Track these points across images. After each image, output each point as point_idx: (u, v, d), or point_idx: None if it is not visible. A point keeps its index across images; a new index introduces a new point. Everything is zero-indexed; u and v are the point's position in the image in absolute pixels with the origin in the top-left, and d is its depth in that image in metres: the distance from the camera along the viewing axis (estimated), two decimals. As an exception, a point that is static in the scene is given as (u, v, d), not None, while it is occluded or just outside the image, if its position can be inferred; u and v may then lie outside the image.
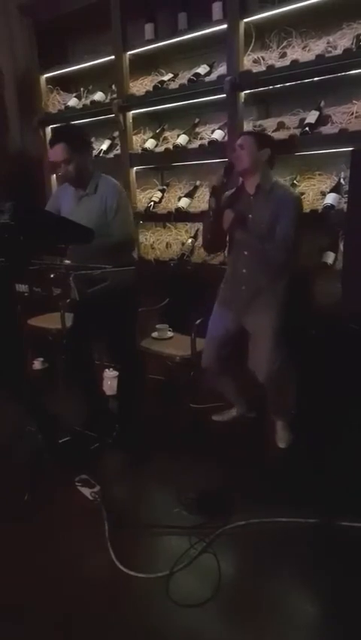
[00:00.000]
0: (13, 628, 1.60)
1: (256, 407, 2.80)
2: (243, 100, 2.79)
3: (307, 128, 2.57)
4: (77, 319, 2.69)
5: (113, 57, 3.26)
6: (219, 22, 2.79)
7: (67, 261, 2.34)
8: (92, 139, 3.10)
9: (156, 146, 3.27)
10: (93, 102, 3.47)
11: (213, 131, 3.02)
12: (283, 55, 2.64)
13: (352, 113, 2.51)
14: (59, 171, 2.46)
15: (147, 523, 2.03)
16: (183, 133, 3.14)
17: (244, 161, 2.35)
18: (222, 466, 2.41)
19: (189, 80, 2.96)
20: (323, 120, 2.60)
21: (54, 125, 3.81)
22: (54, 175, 3.90)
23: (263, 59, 2.69)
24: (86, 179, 2.46)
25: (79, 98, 3.63)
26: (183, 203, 3.17)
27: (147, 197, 3.39)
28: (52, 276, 1.91)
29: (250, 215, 2.39)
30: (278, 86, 2.68)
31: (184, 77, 3.03)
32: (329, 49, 2.47)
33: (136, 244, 2.67)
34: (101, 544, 1.91)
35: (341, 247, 2.57)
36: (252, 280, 2.44)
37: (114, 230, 2.40)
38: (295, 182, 2.78)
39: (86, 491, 2.19)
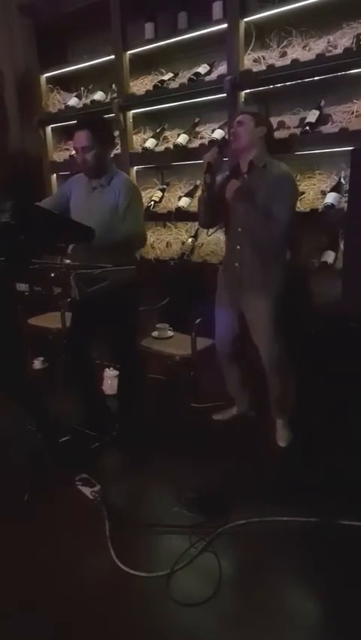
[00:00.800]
0: (14, 627, 1.60)
1: (257, 406, 2.80)
2: (243, 99, 2.79)
3: (307, 128, 2.57)
4: (76, 319, 2.68)
5: (113, 56, 3.26)
6: (219, 22, 2.79)
7: (67, 261, 2.34)
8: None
9: (157, 145, 3.27)
10: (93, 102, 3.47)
11: (213, 131, 3.02)
12: (283, 55, 2.64)
13: (352, 112, 2.51)
14: (77, 158, 2.42)
15: (148, 522, 2.03)
16: (184, 132, 3.13)
17: (241, 137, 2.39)
18: (222, 465, 2.41)
19: (190, 80, 2.96)
20: (323, 119, 2.60)
21: (55, 125, 3.82)
22: (54, 174, 3.91)
23: (263, 59, 2.69)
24: (103, 170, 2.43)
25: (79, 97, 3.63)
26: (184, 202, 3.17)
27: (147, 196, 3.38)
28: (52, 275, 1.90)
29: (243, 194, 2.40)
30: (278, 85, 2.68)
31: (184, 77, 3.03)
32: (330, 48, 2.46)
33: (146, 241, 2.64)
34: (101, 543, 1.91)
35: (342, 246, 2.57)
36: (246, 257, 2.45)
37: (126, 226, 2.39)
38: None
39: (87, 490, 2.19)
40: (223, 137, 2.53)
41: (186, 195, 3.20)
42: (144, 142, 3.29)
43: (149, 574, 1.77)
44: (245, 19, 2.69)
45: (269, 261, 2.42)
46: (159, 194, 3.35)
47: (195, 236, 3.23)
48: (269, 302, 2.41)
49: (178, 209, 3.16)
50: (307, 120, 2.59)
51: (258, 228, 2.35)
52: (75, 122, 2.51)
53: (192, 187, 3.26)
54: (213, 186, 2.45)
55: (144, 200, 3.31)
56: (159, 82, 3.10)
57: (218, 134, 2.98)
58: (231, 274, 2.54)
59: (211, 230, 2.68)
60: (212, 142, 2.96)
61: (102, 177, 2.44)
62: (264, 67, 2.66)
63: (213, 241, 3.12)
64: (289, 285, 2.47)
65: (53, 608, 1.67)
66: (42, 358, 3.75)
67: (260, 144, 2.40)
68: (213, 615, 1.62)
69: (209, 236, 2.85)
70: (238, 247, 2.48)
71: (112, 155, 2.56)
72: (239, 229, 2.45)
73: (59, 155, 3.87)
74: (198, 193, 3.18)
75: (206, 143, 3.01)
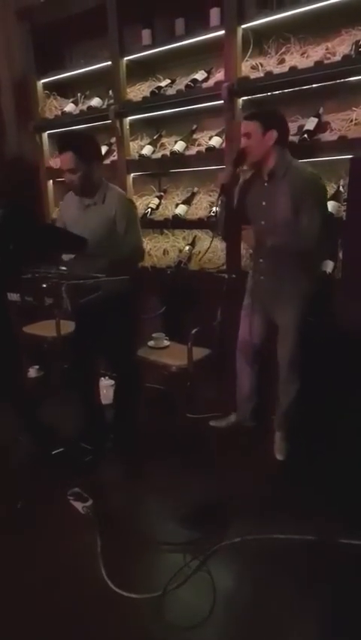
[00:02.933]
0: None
1: (256, 418, 2.75)
2: (241, 106, 2.76)
3: (305, 135, 2.54)
4: (78, 329, 2.65)
5: (110, 63, 3.23)
6: (216, 28, 2.76)
7: (62, 268, 2.30)
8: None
9: (153, 152, 3.24)
10: (90, 108, 3.45)
11: (210, 138, 2.99)
12: (281, 62, 2.61)
13: (351, 120, 2.48)
14: (65, 178, 2.37)
15: (141, 538, 1.98)
16: (181, 139, 3.11)
17: (250, 152, 2.25)
18: (218, 479, 2.36)
19: (187, 86, 2.93)
20: (321, 127, 2.57)
21: (51, 131, 3.80)
22: (51, 180, 3.88)
23: (261, 65, 2.66)
24: (93, 189, 2.38)
25: (76, 103, 3.60)
26: (181, 210, 3.14)
27: (144, 203, 3.36)
28: (44, 285, 1.86)
29: (264, 203, 2.32)
30: (277, 92, 2.65)
31: (182, 83, 3.00)
32: (328, 55, 2.44)
33: (144, 254, 2.63)
34: (92, 561, 1.86)
35: (340, 255, 2.53)
36: (270, 270, 2.38)
37: (127, 243, 2.37)
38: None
39: (79, 505, 2.14)
40: (238, 154, 2.33)
41: (183, 203, 3.17)
42: (141, 149, 3.26)
43: (141, 595, 1.71)
44: (243, 26, 2.66)
45: (296, 274, 2.31)
46: (156, 201, 3.32)
47: (193, 244, 3.20)
48: (295, 314, 2.36)
49: (175, 216, 3.13)
50: (305, 128, 2.56)
51: (282, 241, 2.24)
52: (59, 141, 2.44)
53: (189, 194, 3.23)
54: (231, 205, 2.38)
55: (140, 208, 3.30)
56: (156, 88, 3.07)
57: (215, 141, 2.95)
58: (256, 286, 2.50)
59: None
60: (209, 149, 2.94)
61: (95, 195, 2.39)
62: (262, 74, 2.63)
63: (211, 249, 3.08)
64: (316, 294, 2.39)
65: (40, 629, 1.61)
66: (37, 367, 3.71)
67: (276, 150, 2.23)
68: (208, 637, 1.57)
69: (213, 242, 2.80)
70: (261, 260, 2.42)
71: (102, 167, 2.51)
72: (262, 242, 2.33)
73: (55, 162, 3.83)
74: (196, 200, 3.18)
75: (203, 150, 2.98)
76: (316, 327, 2.47)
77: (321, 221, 2.20)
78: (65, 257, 2.28)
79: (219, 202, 2.38)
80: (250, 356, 2.63)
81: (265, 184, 2.32)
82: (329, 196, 2.57)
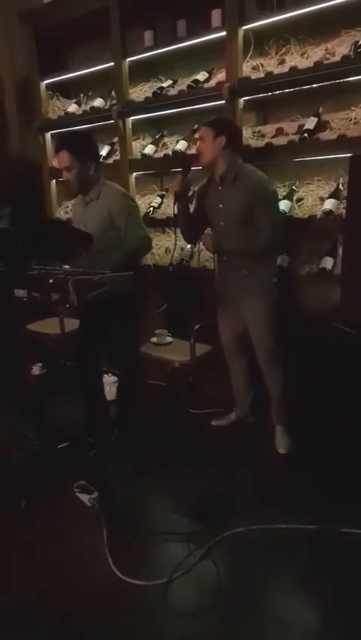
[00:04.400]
0: (14, 637, 1.58)
1: (256, 413, 2.79)
2: (242, 106, 2.80)
3: (305, 134, 2.58)
4: (82, 326, 2.69)
5: (112, 64, 3.27)
6: (218, 30, 2.80)
7: (66, 266, 2.34)
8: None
9: (156, 151, 3.28)
10: (93, 108, 3.49)
11: (212, 137, 3.03)
12: (281, 62, 2.65)
13: (350, 119, 2.52)
14: (63, 176, 2.47)
15: (146, 529, 2.02)
16: (183, 139, 3.15)
17: (202, 154, 2.41)
18: (221, 472, 2.40)
19: (188, 87, 2.97)
20: (321, 126, 2.61)
21: (54, 131, 3.84)
22: (54, 180, 3.92)
23: (262, 66, 2.70)
24: (89, 186, 2.47)
25: (79, 104, 3.64)
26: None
27: (146, 202, 3.40)
28: (50, 281, 1.90)
29: (221, 205, 2.45)
30: (277, 92, 2.69)
31: (183, 84, 3.04)
32: (328, 56, 2.48)
33: (151, 243, 2.69)
34: (99, 551, 1.90)
35: (340, 252, 2.57)
36: (232, 267, 2.51)
37: (130, 236, 2.42)
38: (294, 187, 2.79)
39: (85, 497, 2.17)
40: (185, 164, 2.55)
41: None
42: (143, 148, 3.30)
43: (147, 582, 1.75)
44: (244, 27, 2.70)
45: (257, 269, 2.45)
46: (158, 200, 3.36)
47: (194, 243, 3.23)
48: (261, 306, 2.47)
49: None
50: (305, 127, 2.60)
51: (240, 240, 2.39)
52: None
53: (191, 193, 3.26)
54: (186, 211, 2.54)
55: (142, 207, 3.33)
56: (158, 89, 3.11)
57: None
58: (222, 283, 2.61)
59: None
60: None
61: (91, 192, 2.48)
62: (262, 75, 2.67)
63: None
64: (282, 289, 2.52)
65: (50, 616, 1.65)
66: (41, 364, 3.74)
67: (226, 155, 2.37)
68: (212, 624, 1.61)
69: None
70: (224, 258, 2.54)
71: (100, 166, 2.57)
72: (222, 242, 2.48)
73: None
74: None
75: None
76: (308, 329, 2.54)
77: (274, 221, 2.36)
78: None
79: (175, 209, 2.51)
80: (234, 350, 2.72)
81: (219, 187, 2.45)
82: (328, 194, 2.63)
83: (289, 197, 2.73)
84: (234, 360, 2.75)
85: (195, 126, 3.19)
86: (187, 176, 2.48)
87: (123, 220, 2.41)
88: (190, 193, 2.61)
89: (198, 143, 2.43)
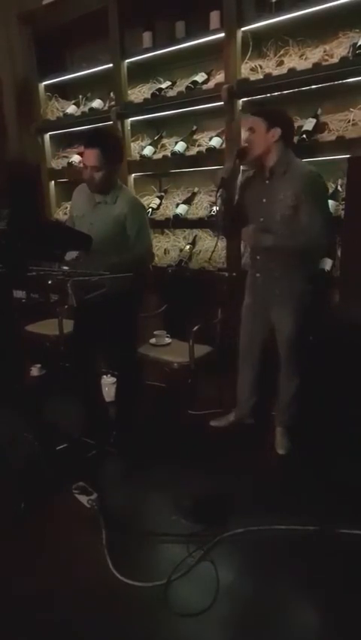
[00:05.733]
0: (10, 638, 1.58)
1: (256, 414, 2.79)
2: (240, 107, 2.81)
3: (304, 136, 2.58)
4: (77, 326, 2.68)
5: (111, 65, 3.28)
6: (216, 31, 2.81)
7: (65, 267, 2.34)
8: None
9: (154, 153, 3.29)
10: (91, 109, 3.49)
11: (210, 139, 3.04)
12: (280, 64, 2.66)
13: (349, 121, 2.53)
14: (85, 174, 2.35)
15: (145, 530, 2.02)
16: (181, 140, 3.16)
17: (254, 146, 2.27)
18: (220, 473, 2.39)
19: (187, 88, 2.98)
20: (320, 128, 2.62)
21: (53, 132, 3.84)
22: (52, 181, 3.92)
23: (260, 67, 2.71)
24: (109, 188, 2.39)
25: (77, 105, 3.65)
26: (181, 209, 3.18)
27: (145, 203, 3.40)
28: (49, 282, 1.90)
29: (265, 200, 2.33)
30: (275, 93, 2.70)
31: (182, 85, 3.05)
32: (326, 57, 2.49)
33: (154, 256, 2.66)
34: (98, 552, 1.89)
35: (339, 254, 2.58)
36: (266, 267, 2.40)
37: (139, 246, 2.40)
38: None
39: (83, 499, 2.17)
40: (241, 147, 2.38)
41: (183, 202, 3.21)
42: (142, 149, 3.31)
43: (146, 583, 1.75)
44: (242, 29, 2.71)
45: (292, 272, 2.34)
46: (157, 201, 3.37)
47: (193, 244, 3.24)
48: (293, 312, 2.37)
49: (176, 216, 3.17)
50: (304, 128, 2.61)
51: (281, 238, 2.26)
52: (86, 136, 2.40)
53: (189, 194, 3.28)
54: (230, 200, 2.39)
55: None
56: (156, 90, 3.12)
57: (215, 141, 3.00)
58: (252, 283, 2.53)
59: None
60: (209, 150, 2.98)
61: (108, 194, 2.40)
62: (261, 76, 2.68)
63: (211, 248, 3.12)
64: (314, 293, 2.41)
65: (50, 617, 1.65)
66: (39, 365, 3.74)
67: (277, 148, 2.25)
68: (211, 625, 1.60)
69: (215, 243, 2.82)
70: (258, 257, 2.44)
71: (120, 170, 2.53)
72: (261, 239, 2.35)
73: (57, 163, 3.88)
74: (196, 200, 3.22)
75: (204, 150, 3.02)
76: (316, 336, 2.52)
77: (322, 220, 2.22)
78: (68, 256, 2.31)
79: (219, 196, 2.37)
80: (253, 356, 2.64)
81: (266, 181, 2.34)
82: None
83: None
84: (246, 364, 2.68)
85: (194, 127, 3.20)
86: (240, 162, 2.33)
87: (137, 229, 2.38)
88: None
89: (247, 133, 2.29)
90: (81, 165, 2.41)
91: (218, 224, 2.55)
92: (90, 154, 2.28)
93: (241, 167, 2.42)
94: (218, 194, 2.35)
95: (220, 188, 2.33)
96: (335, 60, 2.44)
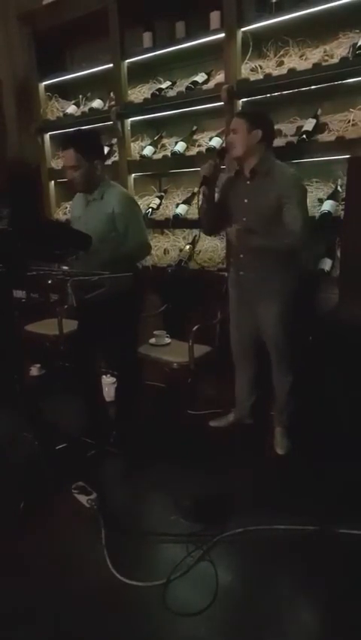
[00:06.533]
0: (13, 638, 1.58)
1: (256, 415, 2.79)
2: (240, 108, 2.81)
3: (304, 136, 2.59)
4: (80, 325, 2.69)
5: (111, 65, 3.28)
6: (216, 31, 2.81)
7: (65, 267, 2.34)
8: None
9: (154, 153, 3.29)
10: (92, 109, 3.49)
11: (211, 139, 3.04)
12: (280, 64, 2.66)
13: (349, 121, 2.53)
14: (67, 175, 2.44)
15: (144, 530, 2.02)
16: (181, 140, 3.16)
17: (235, 146, 2.32)
18: (219, 473, 2.40)
19: (187, 88, 2.98)
20: (320, 128, 2.62)
21: (53, 132, 3.84)
22: (52, 181, 3.92)
23: (260, 68, 2.71)
24: (94, 185, 2.43)
25: (77, 105, 3.65)
26: (181, 209, 3.18)
27: (145, 203, 3.40)
28: (49, 282, 1.90)
29: (246, 201, 2.37)
30: (275, 94, 2.70)
31: (182, 85, 3.05)
32: (326, 57, 2.49)
33: (150, 249, 2.64)
34: (97, 551, 1.90)
35: (338, 254, 2.58)
36: (249, 266, 2.43)
37: (130, 240, 2.41)
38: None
39: (83, 498, 2.17)
40: (220, 146, 2.46)
41: (183, 202, 3.21)
42: (142, 149, 3.31)
43: (145, 583, 1.75)
44: (242, 29, 2.71)
45: (274, 270, 2.36)
46: (157, 201, 3.36)
47: (193, 243, 3.24)
48: (278, 309, 2.39)
49: (176, 216, 3.17)
50: (304, 129, 2.61)
51: (262, 237, 2.30)
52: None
53: (189, 194, 3.28)
54: (212, 198, 2.43)
55: (141, 208, 3.33)
56: (157, 90, 3.12)
57: (215, 141, 3.00)
58: (236, 282, 2.54)
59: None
60: (210, 150, 2.98)
61: (94, 192, 2.44)
62: (261, 76, 2.68)
63: (211, 248, 3.13)
64: (298, 292, 2.43)
65: (49, 617, 1.65)
66: (39, 365, 3.74)
67: (259, 149, 2.30)
68: (210, 625, 1.60)
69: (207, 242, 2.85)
70: (241, 256, 2.46)
71: (104, 166, 2.54)
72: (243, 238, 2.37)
73: (57, 163, 3.88)
74: (196, 200, 3.21)
75: (204, 150, 3.02)
76: (308, 329, 2.52)
77: (303, 220, 2.26)
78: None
79: (201, 194, 2.42)
80: (246, 354, 2.66)
81: (248, 182, 2.38)
82: (327, 196, 2.63)
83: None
84: (241, 363, 2.70)
85: (194, 127, 3.21)
86: (220, 161, 2.38)
87: (126, 223, 2.40)
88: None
89: (231, 134, 2.34)
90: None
91: (201, 222, 2.59)
92: (66, 155, 2.39)
93: (222, 166, 2.44)
94: (200, 194, 2.41)
95: (202, 186, 2.38)
96: (335, 60, 2.44)
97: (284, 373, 2.52)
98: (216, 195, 2.52)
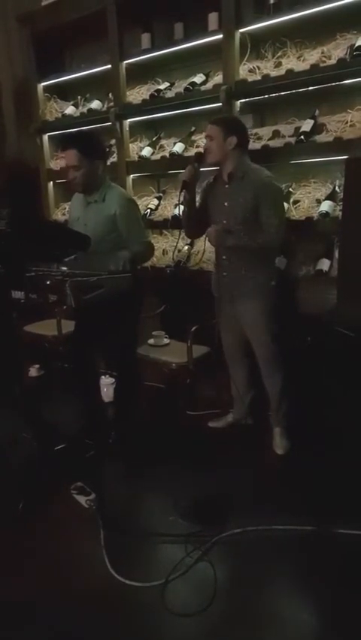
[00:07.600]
0: (12, 637, 1.58)
1: (254, 415, 2.79)
2: (238, 109, 2.82)
3: (302, 137, 2.59)
4: (78, 326, 2.69)
5: (110, 66, 3.28)
6: (214, 32, 2.82)
7: (63, 268, 2.35)
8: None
9: (153, 153, 3.29)
10: (90, 110, 3.49)
11: (209, 139, 3.04)
12: (278, 65, 2.67)
13: (346, 122, 2.53)
14: (68, 176, 2.43)
15: (143, 531, 2.02)
16: (180, 141, 3.16)
17: (212, 152, 2.39)
18: (218, 473, 2.40)
19: (186, 89, 2.98)
20: (317, 129, 2.62)
21: (52, 133, 3.84)
22: (51, 182, 3.92)
23: (258, 69, 2.71)
24: (95, 186, 2.43)
25: (76, 106, 3.65)
26: (180, 210, 3.18)
27: (143, 204, 3.40)
28: (48, 282, 1.91)
29: (226, 204, 2.43)
30: (273, 95, 2.70)
31: (180, 86, 3.05)
32: (324, 59, 2.49)
33: (154, 250, 2.67)
34: (96, 552, 1.90)
35: (336, 254, 2.58)
36: (232, 267, 2.48)
37: (131, 242, 2.41)
38: (290, 189, 2.80)
39: (82, 499, 2.18)
40: (197, 153, 2.52)
41: (181, 203, 3.21)
42: (140, 150, 3.31)
43: (144, 583, 1.75)
44: (240, 30, 2.71)
45: (256, 270, 2.44)
46: (155, 202, 3.37)
47: (191, 244, 3.24)
48: (259, 308, 2.45)
49: (174, 216, 3.17)
50: (302, 129, 2.62)
51: (242, 238, 2.36)
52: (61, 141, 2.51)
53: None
54: (193, 202, 2.52)
55: (140, 208, 3.33)
56: (155, 91, 3.12)
57: None
58: (220, 283, 2.58)
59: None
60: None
61: (95, 193, 2.44)
62: (259, 77, 2.68)
63: (210, 249, 3.12)
64: (280, 291, 2.50)
65: (48, 618, 1.65)
66: (38, 365, 3.74)
67: (235, 154, 2.37)
68: (209, 626, 1.61)
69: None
70: (224, 257, 2.51)
71: (106, 166, 2.55)
72: (224, 239, 2.42)
73: (56, 163, 3.88)
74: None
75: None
76: (307, 330, 2.53)
77: (279, 220, 2.34)
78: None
79: (182, 198, 2.48)
80: (234, 352, 2.69)
81: (226, 186, 2.44)
82: (325, 196, 2.64)
83: (285, 199, 2.75)
84: (234, 362, 2.73)
85: (193, 128, 3.21)
86: (198, 165, 2.44)
87: (127, 224, 2.40)
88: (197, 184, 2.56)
89: (207, 141, 2.41)
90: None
91: (183, 226, 2.65)
92: (68, 155, 2.38)
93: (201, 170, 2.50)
94: (180, 198, 2.48)
95: (182, 190, 2.45)
96: (333, 61, 2.44)
97: (271, 373, 2.54)
98: (198, 200, 2.59)
